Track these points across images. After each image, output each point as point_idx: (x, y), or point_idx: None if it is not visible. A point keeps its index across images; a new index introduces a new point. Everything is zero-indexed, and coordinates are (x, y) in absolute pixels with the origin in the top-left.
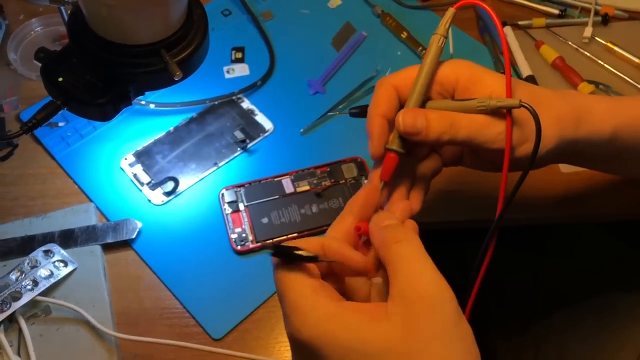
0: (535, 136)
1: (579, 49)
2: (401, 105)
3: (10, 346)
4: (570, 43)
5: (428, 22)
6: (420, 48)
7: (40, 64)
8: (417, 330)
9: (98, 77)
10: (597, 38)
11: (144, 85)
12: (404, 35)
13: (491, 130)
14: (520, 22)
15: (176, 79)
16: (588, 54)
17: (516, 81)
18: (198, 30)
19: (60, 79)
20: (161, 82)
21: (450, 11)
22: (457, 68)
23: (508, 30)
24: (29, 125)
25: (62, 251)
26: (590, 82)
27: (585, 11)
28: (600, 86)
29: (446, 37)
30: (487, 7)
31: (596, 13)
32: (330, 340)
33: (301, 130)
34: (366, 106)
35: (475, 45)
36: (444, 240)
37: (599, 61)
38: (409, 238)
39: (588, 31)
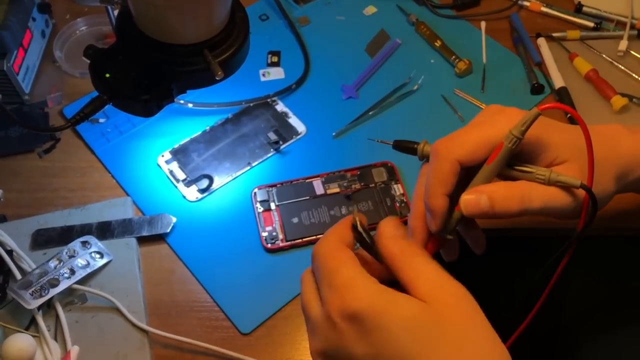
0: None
1: (613, 62)
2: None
3: (48, 330)
4: (604, 56)
5: (462, 32)
6: (453, 57)
7: (88, 61)
8: (451, 319)
9: (143, 75)
10: (632, 52)
11: (187, 84)
12: (437, 43)
13: (565, 200)
14: (554, 34)
15: (217, 79)
16: (622, 67)
17: (591, 129)
18: (240, 32)
19: (108, 75)
20: (203, 81)
21: (534, 112)
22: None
23: (542, 41)
24: (77, 118)
25: (99, 243)
26: (624, 95)
27: (620, 25)
28: (634, 99)
29: (521, 139)
30: (574, 112)
31: (632, 27)
32: (394, 307)
33: (333, 133)
34: (411, 142)
35: (509, 56)
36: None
37: (634, 75)
38: (426, 254)
39: (623, 44)
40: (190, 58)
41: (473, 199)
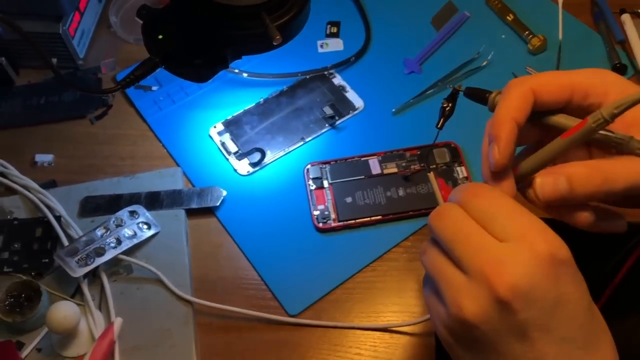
0: None
1: None
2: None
3: (93, 300)
4: None
5: (537, 5)
6: (526, 32)
7: (141, 22)
8: None
9: (197, 38)
10: None
11: (242, 49)
12: (509, 17)
13: None
14: None
15: (275, 44)
16: None
17: None
18: None
19: (160, 37)
20: (259, 46)
21: (636, 97)
22: (607, 80)
23: (626, 18)
24: (127, 80)
25: (147, 213)
26: None
27: None
28: None
29: (609, 122)
30: None
31: None
32: None
33: (393, 110)
34: (485, 91)
35: (588, 33)
36: None
37: None
38: None
39: None
40: (246, 21)
41: (549, 182)
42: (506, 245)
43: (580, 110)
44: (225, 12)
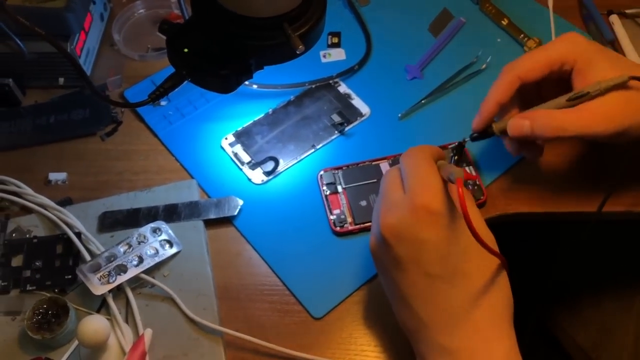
0: None
1: None
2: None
3: (119, 313)
4: None
5: (529, 9)
6: (522, 35)
7: (163, 36)
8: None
9: (221, 50)
10: None
11: (265, 59)
12: (504, 22)
13: (597, 128)
14: (627, 11)
15: (298, 53)
16: None
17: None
18: (318, 4)
19: (186, 50)
20: (282, 55)
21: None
22: (576, 48)
23: (614, 19)
24: (157, 93)
25: (170, 231)
26: None
27: None
28: None
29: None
30: (465, 210)
31: None
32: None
33: (399, 115)
34: (486, 130)
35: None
36: None
37: None
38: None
39: None
40: (269, 32)
41: (518, 123)
42: (401, 196)
43: (559, 75)
44: (248, 23)
